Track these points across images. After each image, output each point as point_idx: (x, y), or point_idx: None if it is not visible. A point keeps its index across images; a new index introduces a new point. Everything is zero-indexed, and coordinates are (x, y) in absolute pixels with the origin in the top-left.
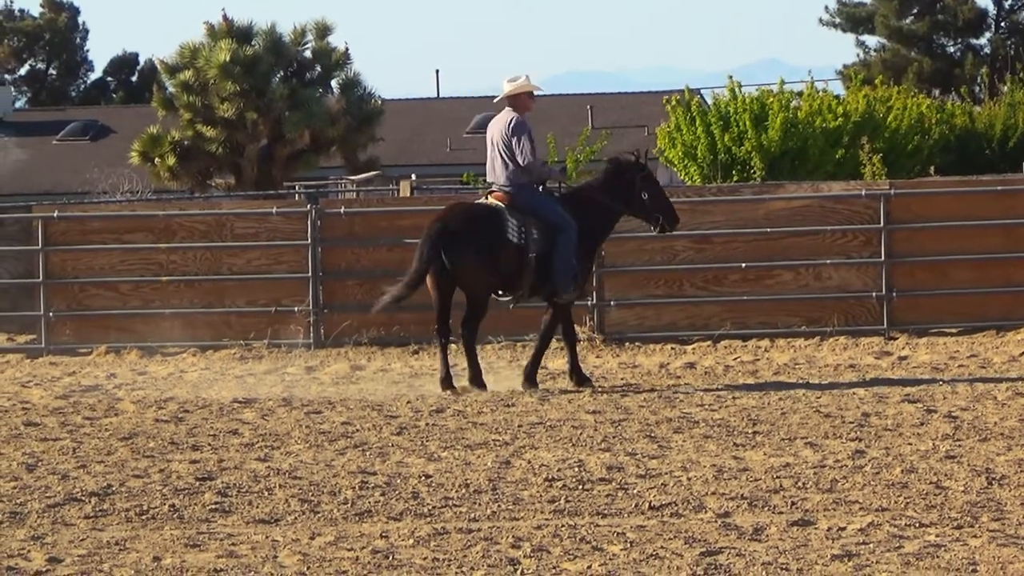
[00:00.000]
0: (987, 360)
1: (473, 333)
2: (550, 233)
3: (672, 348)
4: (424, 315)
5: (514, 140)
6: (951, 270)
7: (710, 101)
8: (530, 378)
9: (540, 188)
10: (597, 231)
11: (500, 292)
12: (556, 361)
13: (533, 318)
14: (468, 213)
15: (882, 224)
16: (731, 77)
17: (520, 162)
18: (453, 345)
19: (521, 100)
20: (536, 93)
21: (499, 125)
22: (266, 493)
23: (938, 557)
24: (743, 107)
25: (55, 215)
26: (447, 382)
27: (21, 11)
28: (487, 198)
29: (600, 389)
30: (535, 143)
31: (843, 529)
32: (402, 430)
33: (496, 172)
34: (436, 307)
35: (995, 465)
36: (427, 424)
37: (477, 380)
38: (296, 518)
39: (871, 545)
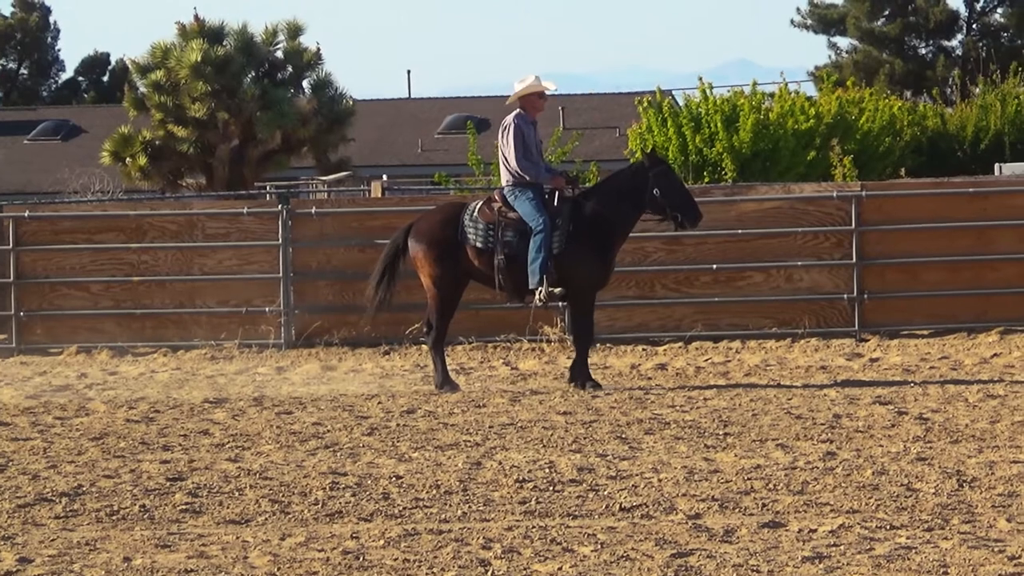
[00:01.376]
0: (958, 362)
1: (437, 334)
2: (527, 235)
3: (643, 349)
4: (395, 316)
5: (502, 143)
6: (922, 272)
7: (681, 102)
8: (579, 377)
9: (534, 189)
10: (604, 234)
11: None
12: (527, 362)
13: (503, 319)
14: (433, 212)
15: (853, 226)
16: (701, 78)
17: (511, 164)
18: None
19: (530, 101)
20: (548, 92)
21: (500, 128)
22: (237, 494)
23: (909, 559)
24: (714, 108)
25: (26, 215)
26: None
27: None
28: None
29: (571, 389)
30: (534, 144)
31: (814, 531)
32: (373, 431)
33: (501, 175)
34: None
35: (966, 467)
36: (398, 425)
37: (447, 382)
38: (267, 519)
39: (842, 547)
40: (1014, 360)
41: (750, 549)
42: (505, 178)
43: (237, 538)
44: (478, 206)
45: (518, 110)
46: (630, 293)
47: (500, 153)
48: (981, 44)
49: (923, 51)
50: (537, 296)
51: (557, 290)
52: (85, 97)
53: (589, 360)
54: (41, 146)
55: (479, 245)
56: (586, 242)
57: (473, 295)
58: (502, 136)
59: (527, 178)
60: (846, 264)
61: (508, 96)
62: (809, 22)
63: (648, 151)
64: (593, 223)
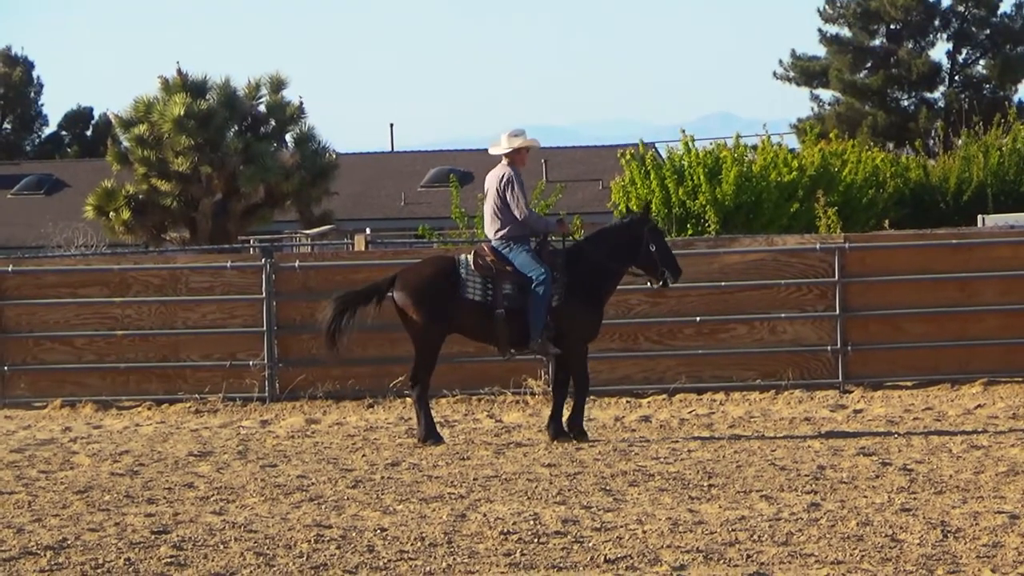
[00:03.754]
0: (942, 413)
1: (421, 386)
2: (526, 287)
3: (627, 402)
4: (379, 368)
5: (508, 194)
6: (906, 323)
7: (664, 155)
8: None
9: (534, 241)
10: (598, 286)
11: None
12: (511, 415)
13: (487, 371)
14: (422, 265)
15: (837, 278)
16: (684, 131)
17: (517, 215)
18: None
19: (519, 155)
20: (533, 147)
21: (494, 179)
22: (221, 547)
23: None
24: (697, 161)
25: (10, 269)
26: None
27: None
28: (471, 252)
29: (555, 441)
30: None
31: None
32: (357, 483)
33: (487, 225)
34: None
35: (950, 518)
36: (382, 477)
37: (431, 434)
38: (251, 572)
39: None
40: (998, 411)
41: None
42: (496, 230)
43: None
44: (470, 259)
45: (506, 162)
46: (614, 345)
47: (492, 204)
48: (963, 96)
49: (905, 103)
50: (533, 348)
51: (554, 350)
52: (68, 151)
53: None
54: (24, 200)
55: (477, 298)
56: (582, 294)
57: (457, 348)
58: (503, 187)
59: (528, 228)
60: (829, 316)
61: (491, 149)
62: (791, 75)
63: (644, 206)
64: (588, 275)
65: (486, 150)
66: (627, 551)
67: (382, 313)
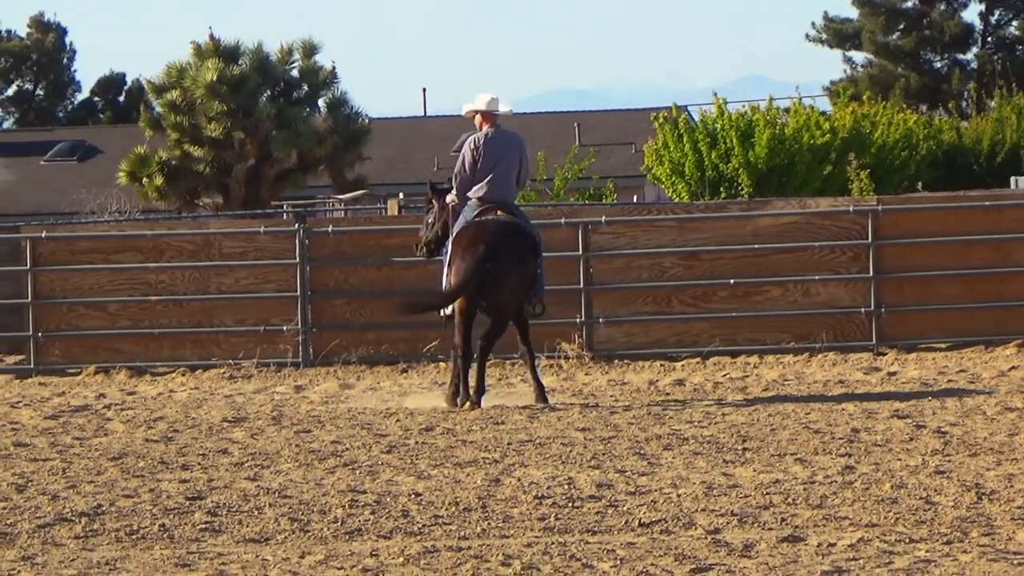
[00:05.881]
0: (976, 375)
1: (471, 351)
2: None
3: (661, 365)
4: (413, 333)
5: (524, 160)
6: (939, 285)
7: (697, 118)
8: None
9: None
10: None
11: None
12: (545, 379)
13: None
14: (507, 234)
15: (870, 240)
16: (716, 94)
17: (524, 182)
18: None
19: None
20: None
21: (508, 143)
22: (256, 512)
23: (928, 573)
24: (730, 124)
25: (43, 235)
26: (470, 397)
27: (8, 32)
28: (498, 214)
29: (589, 405)
30: None
31: (833, 545)
32: (392, 448)
33: (504, 190)
34: (463, 329)
35: (985, 480)
36: (416, 442)
37: (480, 395)
38: (286, 537)
39: (861, 561)
40: None
41: (769, 564)
42: (514, 193)
43: (257, 556)
44: (525, 227)
45: (488, 126)
46: (647, 309)
47: (512, 168)
48: (996, 57)
49: (938, 65)
50: (536, 307)
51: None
52: (101, 117)
53: (603, 375)
54: (58, 167)
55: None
56: None
57: None
58: (522, 154)
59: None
60: (863, 278)
61: (511, 113)
62: (824, 37)
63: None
64: None
65: (519, 115)
66: (661, 515)
67: (415, 278)
